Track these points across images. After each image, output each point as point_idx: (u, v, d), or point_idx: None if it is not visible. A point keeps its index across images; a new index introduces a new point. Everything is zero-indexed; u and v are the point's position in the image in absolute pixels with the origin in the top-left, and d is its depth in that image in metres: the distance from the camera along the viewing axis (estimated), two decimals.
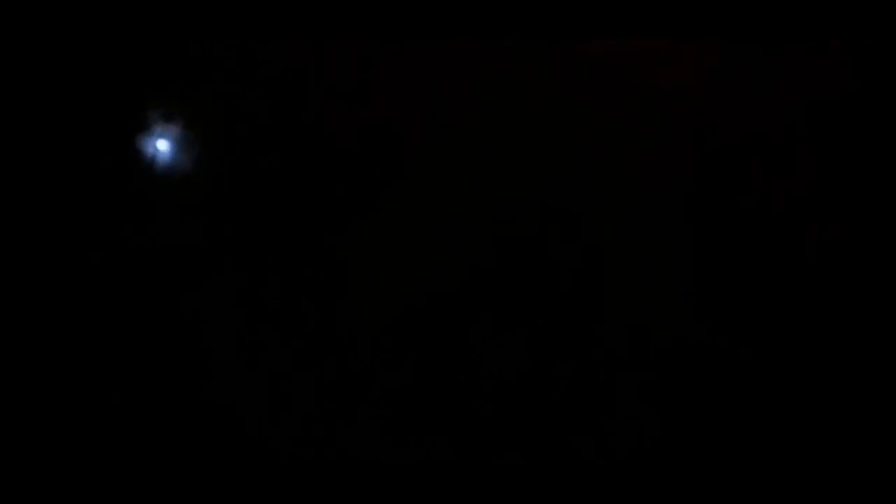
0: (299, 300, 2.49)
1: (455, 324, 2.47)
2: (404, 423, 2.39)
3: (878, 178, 2.40)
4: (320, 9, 2.52)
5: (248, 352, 2.45)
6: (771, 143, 2.48)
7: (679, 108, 2.51)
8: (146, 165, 2.56)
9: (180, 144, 2.58)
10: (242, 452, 2.36)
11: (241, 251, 2.53)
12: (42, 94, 2.53)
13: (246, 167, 2.57)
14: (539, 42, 2.54)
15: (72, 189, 2.51)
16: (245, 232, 2.53)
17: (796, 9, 2.42)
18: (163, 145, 2.57)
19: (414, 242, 2.53)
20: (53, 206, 2.49)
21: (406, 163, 2.57)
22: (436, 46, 2.57)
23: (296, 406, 2.41)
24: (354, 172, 2.57)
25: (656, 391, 2.38)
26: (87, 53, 2.53)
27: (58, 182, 2.51)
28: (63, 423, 2.35)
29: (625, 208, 2.50)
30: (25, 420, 2.34)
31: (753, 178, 2.47)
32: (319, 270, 2.51)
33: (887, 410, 2.29)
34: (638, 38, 2.51)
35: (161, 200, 2.54)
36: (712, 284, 2.44)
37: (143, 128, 2.58)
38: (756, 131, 2.49)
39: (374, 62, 2.58)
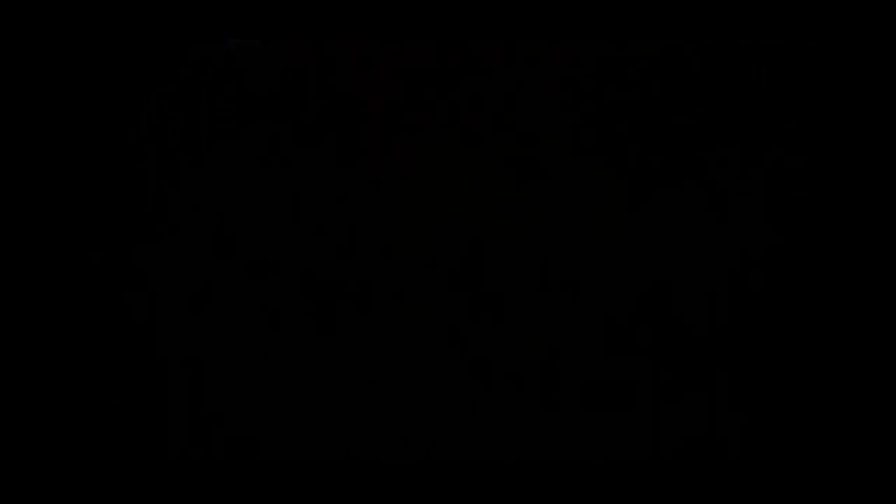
0: (299, 299, 2.49)
1: (454, 323, 2.47)
2: (404, 422, 2.39)
3: (878, 180, 2.40)
4: (320, 9, 2.52)
5: (248, 351, 2.45)
6: (770, 143, 2.49)
7: (678, 108, 2.51)
8: (146, 166, 2.56)
9: (180, 146, 2.58)
10: (243, 452, 2.36)
11: (240, 250, 2.53)
12: (41, 94, 2.53)
13: (245, 166, 2.57)
14: (539, 42, 2.54)
15: (68, 195, 2.51)
16: (244, 230, 2.53)
17: (795, 8, 2.43)
18: (162, 145, 2.57)
19: (414, 242, 2.53)
20: (50, 209, 2.49)
21: (406, 162, 2.58)
22: (435, 46, 2.57)
23: (296, 406, 2.41)
24: (354, 172, 2.57)
25: (656, 390, 2.38)
26: (88, 53, 2.54)
27: (55, 185, 2.51)
28: (63, 423, 2.35)
29: (625, 208, 2.50)
30: (26, 419, 2.34)
31: (754, 178, 2.48)
32: (319, 269, 2.52)
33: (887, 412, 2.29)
34: (636, 38, 2.51)
35: (159, 202, 2.55)
36: (711, 283, 2.44)
37: (142, 128, 2.58)
38: (757, 131, 2.50)
39: (374, 62, 2.59)
